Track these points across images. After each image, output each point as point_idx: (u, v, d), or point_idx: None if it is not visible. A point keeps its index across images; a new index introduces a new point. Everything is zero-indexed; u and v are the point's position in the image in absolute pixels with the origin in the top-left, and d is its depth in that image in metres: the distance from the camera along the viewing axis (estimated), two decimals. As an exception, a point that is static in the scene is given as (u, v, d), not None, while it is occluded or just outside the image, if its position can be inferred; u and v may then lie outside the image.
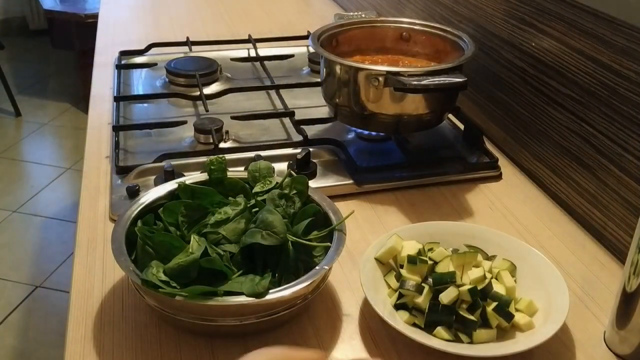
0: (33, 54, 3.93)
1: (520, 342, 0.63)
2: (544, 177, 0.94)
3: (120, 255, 0.64)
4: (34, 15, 4.11)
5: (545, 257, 0.72)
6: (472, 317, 0.64)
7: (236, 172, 0.79)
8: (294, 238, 0.67)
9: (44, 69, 3.73)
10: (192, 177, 0.78)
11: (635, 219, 0.74)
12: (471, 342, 0.63)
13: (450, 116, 1.08)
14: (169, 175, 0.85)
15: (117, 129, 1.01)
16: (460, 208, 0.89)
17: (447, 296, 0.64)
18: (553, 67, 0.89)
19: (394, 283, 0.70)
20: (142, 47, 1.34)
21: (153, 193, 0.74)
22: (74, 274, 0.75)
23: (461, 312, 0.64)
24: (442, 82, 0.86)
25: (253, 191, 0.75)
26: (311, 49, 1.32)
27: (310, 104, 1.13)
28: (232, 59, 1.31)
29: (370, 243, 0.77)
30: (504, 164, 0.98)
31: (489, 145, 1.01)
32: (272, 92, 1.18)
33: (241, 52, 1.35)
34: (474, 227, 0.79)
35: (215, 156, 0.77)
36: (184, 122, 1.03)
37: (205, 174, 0.77)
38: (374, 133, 1.02)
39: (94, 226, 0.82)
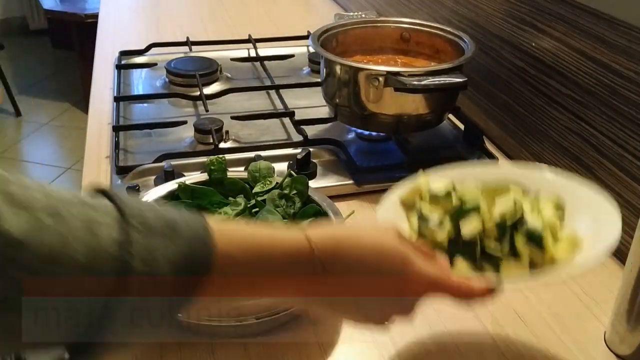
0: (33, 54, 3.93)
1: (552, 273, 0.55)
2: (544, 177, 0.94)
3: (120, 255, 0.64)
4: (34, 15, 4.11)
5: (602, 194, 0.62)
6: (497, 253, 0.55)
7: (236, 172, 0.79)
8: (294, 238, 0.67)
9: (44, 69, 3.73)
10: (192, 177, 0.78)
11: (635, 219, 0.74)
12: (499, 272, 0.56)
13: (450, 116, 1.08)
14: (169, 175, 0.85)
15: (117, 129, 1.01)
16: (460, 208, 0.89)
17: (469, 226, 0.56)
18: (553, 67, 0.89)
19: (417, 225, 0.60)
20: (142, 47, 1.33)
21: (153, 193, 0.74)
22: (74, 274, 0.75)
23: (486, 247, 0.56)
24: (442, 82, 0.86)
25: (253, 191, 0.75)
26: (311, 49, 1.32)
27: (310, 104, 1.13)
28: (232, 59, 1.31)
29: (370, 243, 0.77)
30: (504, 164, 0.98)
31: (489, 145, 1.01)
32: (272, 92, 1.18)
33: (241, 52, 1.35)
34: (519, 169, 0.66)
35: (215, 156, 0.77)
36: (184, 122, 1.03)
37: (205, 174, 0.77)
38: (374, 133, 1.02)
39: (94, 226, 0.82)
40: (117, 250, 0.39)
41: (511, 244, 0.56)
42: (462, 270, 0.56)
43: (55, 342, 0.40)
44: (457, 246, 0.57)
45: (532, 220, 0.57)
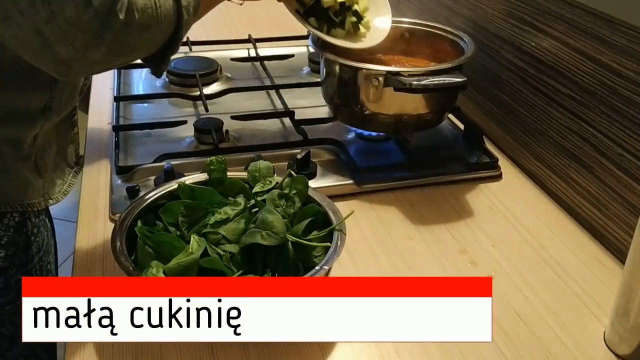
0: (33, 54, 3.92)
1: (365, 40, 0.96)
2: (544, 177, 0.94)
3: (120, 255, 0.64)
4: (34, 15, 4.10)
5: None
6: (335, 19, 0.93)
7: (236, 172, 0.79)
8: (294, 238, 0.67)
9: (44, 69, 3.72)
10: (192, 177, 0.78)
11: (635, 219, 0.74)
12: (329, 34, 0.94)
13: (450, 116, 1.08)
14: (169, 175, 0.85)
15: (117, 129, 1.01)
16: (460, 208, 0.89)
17: (327, 1, 0.91)
18: (553, 67, 0.89)
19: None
20: (142, 47, 1.33)
21: (153, 193, 0.74)
22: (74, 274, 0.75)
23: (330, 14, 0.93)
24: (442, 82, 0.86)
25: (253, 191, 0.74)
26: (311, 49, 1.32)
27: (310, 104, 1.13)
28: (232, 59, 1.31)
29: (370, 243, 0.77)
30: (504, 164, 0.98)
31: (489, 145, 1.01)
32: (272, 92, 1.18)
33: (241, 52, 1.35)
34: None
35: (215, 156, 0.77)
36: (184, 122, 1.03)
37: (205, 174, 0.77)
38: (374, 133, 1.02)
39: (94, 226, 0.82)
40: (174, 5, 0.67)
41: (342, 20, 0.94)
42: (313, 23, 0.93)
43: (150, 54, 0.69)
44: (314, 11, 0.93)
45: (357, 6, 0.95)
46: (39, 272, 0.82)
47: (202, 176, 0.78)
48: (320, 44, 0.99)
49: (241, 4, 0.94)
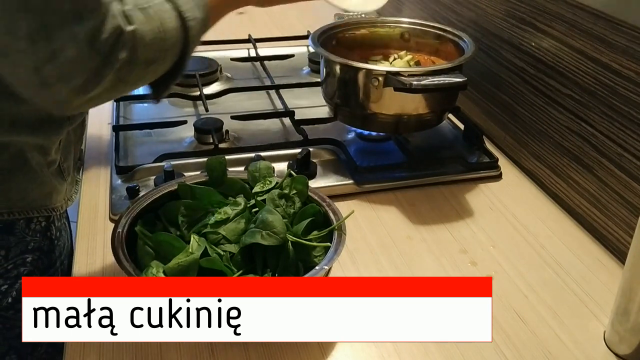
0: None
1: None
2: (544, 177, 0.94)
3: (120, 255, 0.64)
4: (34, 15, 4.11)
5: None
6: None
7: (236, 172, 0.79)
8: (294, 238, 0.67)
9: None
10: (192, 177, 0.78)
11: (635, 219, 0.74)
12: None
13: (450, 116, 1.08)
14: (169, 175, 0.85)
15: (117, 129, 1.01)
16: (460, 208, 0.89)
17: None
18: (553, 67, 0.89)
19: None
20: (142, 47, 1.33)
21: (153, 193, 0.74)
22: (74, 274, 0.75)
23: None
24: (442, 82, 0.86)
25: (253, 191, 0.75)
26: (311, 49, 1.32)
27: (310, 104, 1.13)
28: (232, 59, 1.31)
29: (370, 243, 0.77)
30: (504, 163, 0.98)
31: (489, 145, 1.01)
32: (272, 92, 1.18)
33: (241, 52, 1.35)
34: None
35: (215, 156, 0.77)
36: (184, 122, 1.03)
37: (205, 174, 0.77)
38: (374, 133, 1.02)
39: (94, 226, 0.82)
40: (181, 29, 0.65)
41: None
42: None
43: (156, 78, 0.66)
44: None
45: None
46: (59, 275, 0.83)
47: (202, 176, 0.78)
48: (321, 44, 0.99)
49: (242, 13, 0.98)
